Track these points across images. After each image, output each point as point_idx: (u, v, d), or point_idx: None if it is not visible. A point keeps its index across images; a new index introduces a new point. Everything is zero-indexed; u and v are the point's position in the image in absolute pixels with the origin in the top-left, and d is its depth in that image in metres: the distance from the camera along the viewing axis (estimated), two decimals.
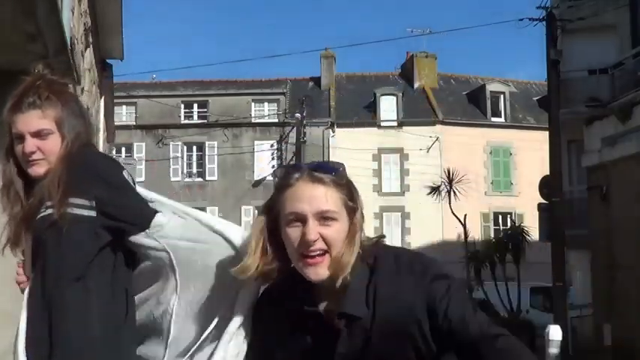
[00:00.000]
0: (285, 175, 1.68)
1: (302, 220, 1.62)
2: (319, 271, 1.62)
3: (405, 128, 33.25)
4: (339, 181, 1.65)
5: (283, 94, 34.94)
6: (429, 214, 28.93)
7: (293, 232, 1.62)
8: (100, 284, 2.02)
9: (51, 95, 2.13)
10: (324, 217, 1.62)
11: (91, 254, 2.02)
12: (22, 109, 2.10)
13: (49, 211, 2.05)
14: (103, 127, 18.11)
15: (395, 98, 34.29)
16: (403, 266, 1.65)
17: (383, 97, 34.30)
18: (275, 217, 1.69)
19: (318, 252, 1.61)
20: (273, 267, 1.69)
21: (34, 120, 2.10)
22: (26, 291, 2.09)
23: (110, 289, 2.03)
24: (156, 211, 2.04)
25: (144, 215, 2.03)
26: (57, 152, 2.11)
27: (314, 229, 1.60)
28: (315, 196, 1.62)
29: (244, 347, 1.84)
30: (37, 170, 2.11)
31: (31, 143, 2.09)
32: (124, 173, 2.11)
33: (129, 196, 2.07)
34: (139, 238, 2.02)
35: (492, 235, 28.64)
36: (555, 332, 10.99)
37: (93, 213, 2.03)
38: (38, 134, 2.10)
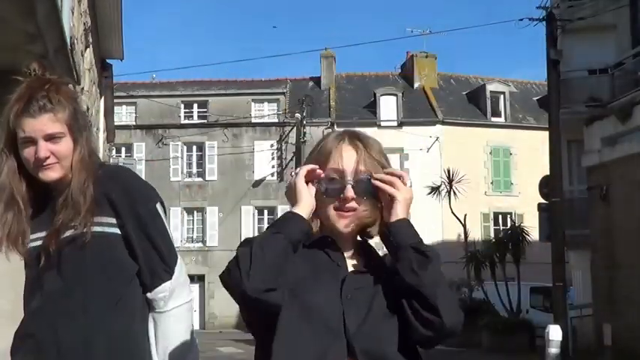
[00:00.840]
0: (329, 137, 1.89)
1: (341, 175, 1.81)
2: (349, 223, 1.82)
3: (405, 128, 33.25)
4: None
5: (283, 94, 34.94)
6: (429, 214, 28.89)
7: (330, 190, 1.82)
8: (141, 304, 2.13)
9: (61, 98, 2.10)
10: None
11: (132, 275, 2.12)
12: (31, 113, 2.06)
13: (78, 227, 2.05)
14: (102, 127, 18.12)
15: (395, 98, 34.30)
16: None
17: (383, 97, 34.30)
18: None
19: (350, 209, 1.81)
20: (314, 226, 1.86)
21: (46, 123, 2.06)
22: (35, 303, 2.08)
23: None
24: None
25: (172, 256, 2.15)
26: (70, 155, 2.09)
27: (350, 190, 1.80)
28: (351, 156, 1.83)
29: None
30: (51, 175, 2.09)
31: (44, 147, 2.06)
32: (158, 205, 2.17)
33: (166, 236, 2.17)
34: None
35: (492, 235, 28.63)
36: (555, 332, 11.01)
37: (118, 231, 2.09)
38: (51, 138, 2.06)
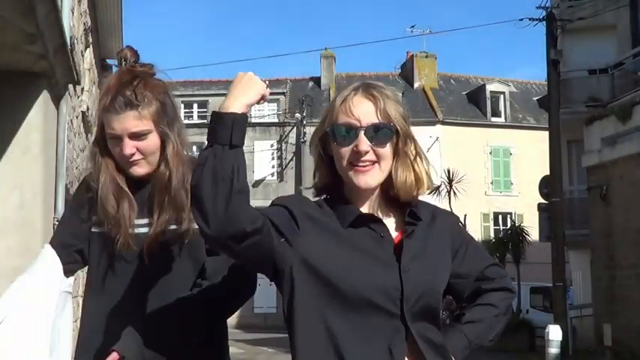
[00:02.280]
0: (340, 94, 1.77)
1: (355, 128, 1.70)
2: (368, 180, 1.72)
3: None
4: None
5: (283, 94, 34.94)
6: None
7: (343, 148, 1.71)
8: None
9: (148, 93, 2.05)
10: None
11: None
12: (117, 109, 2.02)
13: (183, 224, 2.04)
14: None
15: None
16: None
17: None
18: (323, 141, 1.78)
19: (368, 163, 1.71)
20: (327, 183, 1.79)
21: (131, 121, 2.03)
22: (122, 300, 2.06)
23: None
24: None
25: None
26: (156, 151, 2.07)
27: (364, 142, 1.69)
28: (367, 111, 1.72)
29: None
30: (138, 171, 2.07)
31: (129, 145, 2.04)
32: None
33: None
34: None
35: (492, 235, 28.65)
36: (555, 332, 11.01)
37: None
38: (136, 135, 2.04)
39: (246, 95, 1.63)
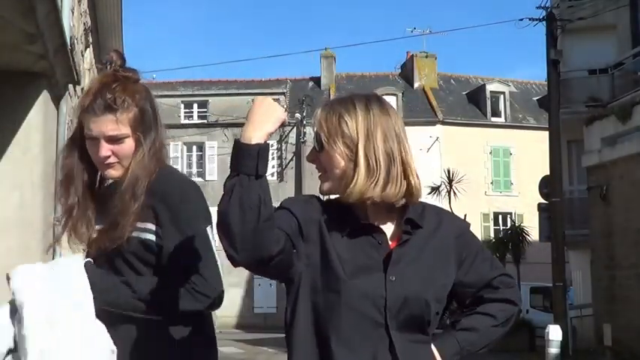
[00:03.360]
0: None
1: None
2: (324, 189, 1.83)
3: (404, 128, 33.24)
4: None
5: (283, 94, 34.92)
6: None
7: None
8: None
9: (127, 98, 2.08)
10: None
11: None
12: (95, 112, 2.05)
13: (121, 229, 2.03)
14: None
15: (395, 98, 34.27)
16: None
17: (383, 97, 34.29)
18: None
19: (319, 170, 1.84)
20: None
21: (108, 125, 2.05)
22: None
23: None
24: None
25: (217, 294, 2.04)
26: (131, 155, 2.09)
27: None
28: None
29: None
30: (112, 173, 2.10)
31: (105, 147, 2.06)
32: (208, 229, 2.09)
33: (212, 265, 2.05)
34: None
35: (492, 235, 28.65)
36: (555, 332, 10.99)
37: (155, 239, 2.05)
38: (112, 139, 2.06)
39: (268, 124, 1.73)
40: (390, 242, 1.75)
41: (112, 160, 2.08)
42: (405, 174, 1.76)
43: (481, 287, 1.86)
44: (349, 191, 1.72)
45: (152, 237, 2.05)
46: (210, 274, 2.02)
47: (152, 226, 2.05)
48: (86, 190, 2.13)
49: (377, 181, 1.72)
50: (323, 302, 1.68)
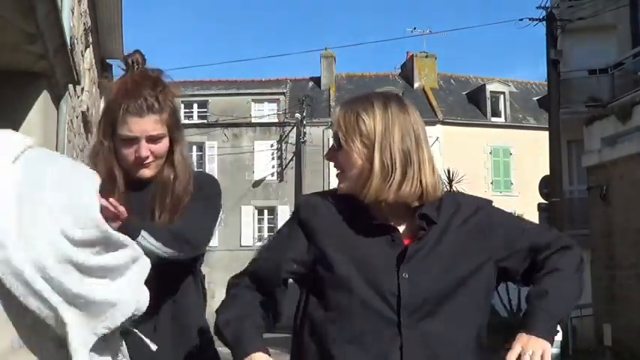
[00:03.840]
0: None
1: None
2: (343, 187, 1.81)
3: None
4: None
5: (283, 94, 34.92)
6: None
7: None
8: None
9: (168, 99, 2.11)
10: None
11: None
12: (139, 113, 2.06)
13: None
14: None
15: None
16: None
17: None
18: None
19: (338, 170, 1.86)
20: None
21: (151, 125, 2.07)
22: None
23: None
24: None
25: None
26: (165, 154, 2.13)
27: None
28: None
29: None
30: (147, 173, 2.12)
31: (145, 147, 2.08)
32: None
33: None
34: None
35: None
36: None
37: None
38: (153, 139, 2.08)
39: None
40: (404, 239, 1.73)
41: (150, 159, 2.10)
42: (421, 174, 1.75)
43: (526, 252, 1.77)
44: (364, 192, 1.72)
45: None
46: (199, 230, 2.12)
47: None
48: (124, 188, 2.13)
49: (392, 183, 1.71)
50: (335, 300, 1.68)
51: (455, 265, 1.70)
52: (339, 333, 1.66)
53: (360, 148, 1.74)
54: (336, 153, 1.78)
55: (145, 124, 2.06)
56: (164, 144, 2.11)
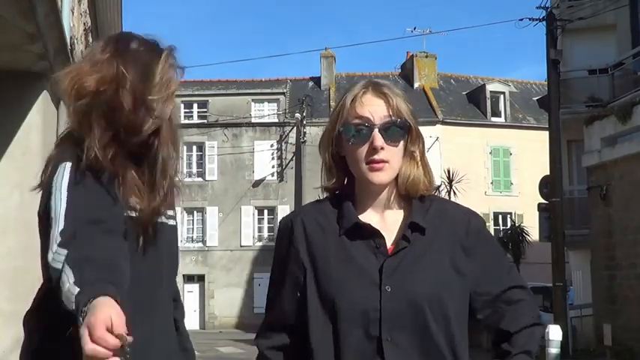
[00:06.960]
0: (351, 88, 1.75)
1: (369, 126, 1.69)
2: (382, 177, 1.70)
3: None
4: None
5: (283, 94, 34.93)
6: None
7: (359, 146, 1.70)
8: None
9: None
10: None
11: None
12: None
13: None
14: None
15: None
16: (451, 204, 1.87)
17: None
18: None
19: (381, 160, 1.68)
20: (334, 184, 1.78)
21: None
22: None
23: None
24: None
25: None
26: None
27: (379, 139, 1.68)
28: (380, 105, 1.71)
29: None
30: None
31: None
32: None
33: None
34: None
35: (492, 235, 28.65)
36: (555, 332, 10.98)
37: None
38: None
39: None
40: (389, 247, 1.68)
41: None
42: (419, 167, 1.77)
43: (495, 296, 1.74)
44: (404, 183, 1.72)
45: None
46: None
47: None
48: None
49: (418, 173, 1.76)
50: (319, 314, 1.64)
51: (439, 276, 1.66)
52: (322, 347, 1.64)
53: (411, 145, 1.75)
54: (391, 144, 1.69)
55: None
56: None
